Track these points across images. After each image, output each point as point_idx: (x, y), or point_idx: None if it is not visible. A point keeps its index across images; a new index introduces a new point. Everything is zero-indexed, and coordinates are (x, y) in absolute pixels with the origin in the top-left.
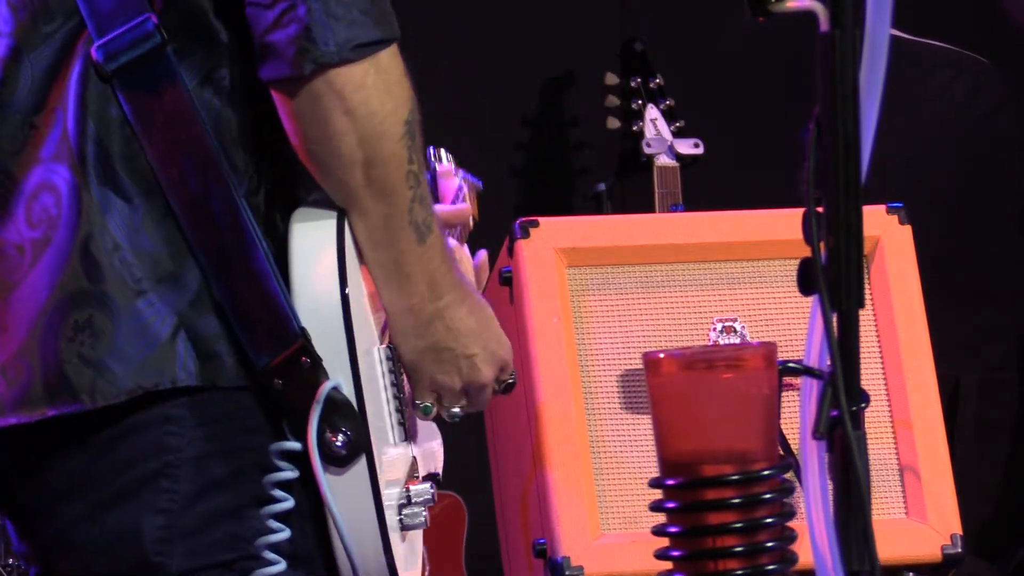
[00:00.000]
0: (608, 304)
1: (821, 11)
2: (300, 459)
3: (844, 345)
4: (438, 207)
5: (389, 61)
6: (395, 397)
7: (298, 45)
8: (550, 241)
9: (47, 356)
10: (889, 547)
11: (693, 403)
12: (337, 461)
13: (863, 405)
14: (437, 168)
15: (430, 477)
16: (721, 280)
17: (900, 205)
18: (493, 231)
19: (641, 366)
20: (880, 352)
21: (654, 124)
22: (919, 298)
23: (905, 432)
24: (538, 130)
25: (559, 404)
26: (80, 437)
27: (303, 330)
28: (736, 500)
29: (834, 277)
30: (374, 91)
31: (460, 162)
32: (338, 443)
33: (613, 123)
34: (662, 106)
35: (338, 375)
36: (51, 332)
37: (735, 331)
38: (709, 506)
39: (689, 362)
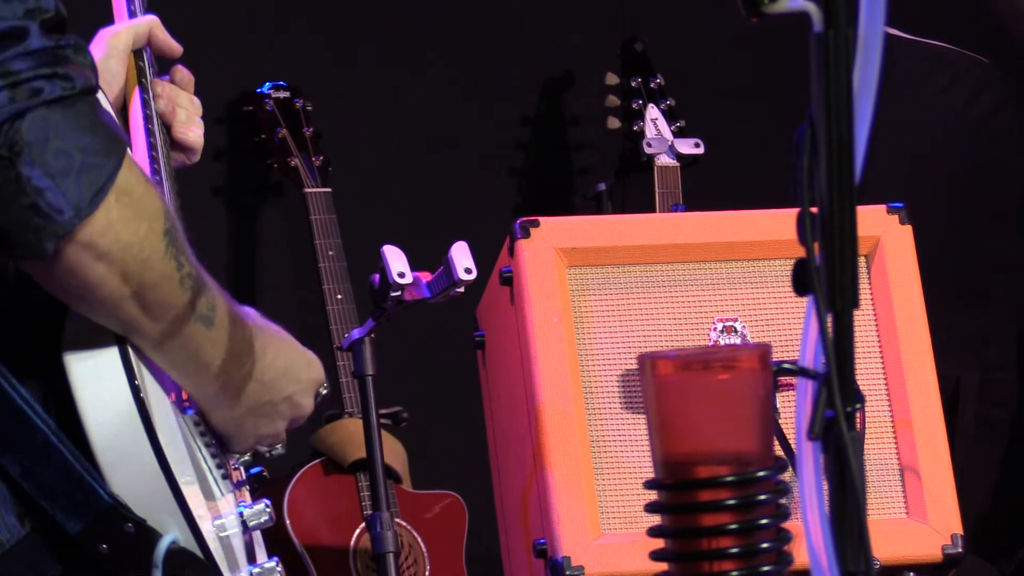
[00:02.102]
0: (609, 304)
1: (814, 11)
2: None
3: (839, 346)
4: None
5: (128, 181)
6: (213, 456)
7: (30, 225)
8: (551, 241)
9: None
10: (889, 547)
11: (688, 404)
12: None
13: (858, 406)
14: None
15: (256, 479)
16: (722, 280)
17: (901, 205)
18: (494, 231)
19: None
20: (880, 352)
21: (655, 124)
22: (919, 298)
23: (905, 432)
24: (538, 130)
25: (559, 404)
26: None
27: (114, 497)
28: (731, 501)
29: (829, 278)
30: (123, 223)
31: (459, 162)
32: None
33: (613, 123)
34: (663, 106)
35: (171, 527)
36: None
37: (736, 331)
38: (704, 507)
39: (684, 363)
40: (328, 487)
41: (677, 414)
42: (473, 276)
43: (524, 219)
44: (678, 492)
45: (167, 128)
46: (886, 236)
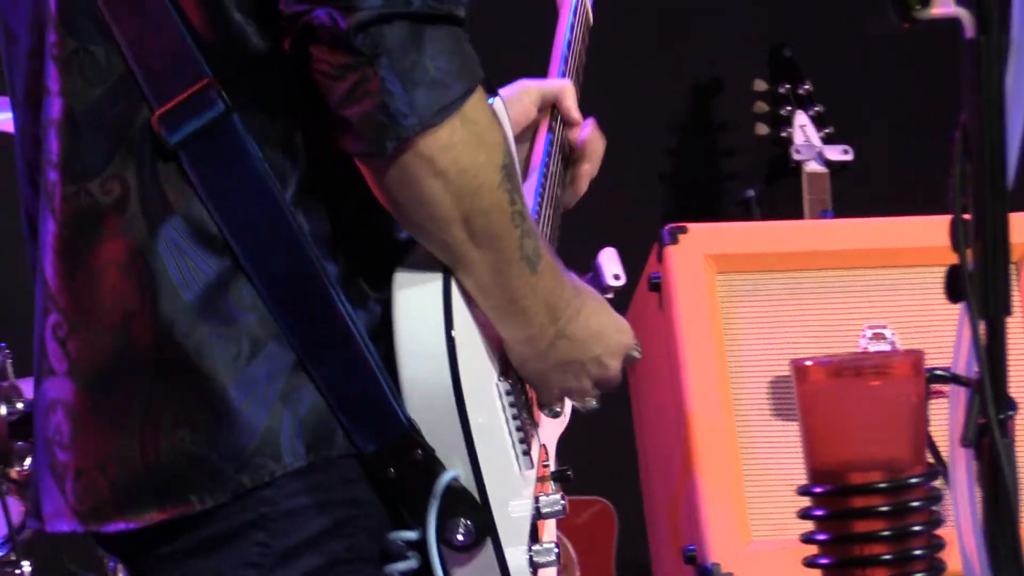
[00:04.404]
0: (757, 311)
1: (966, 17)
2: (420, 546)
3: (992, 352)
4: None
5: (475, 110)
6: (518, 429)
7: (375, 122)
8: (699, 247)
9: (148, 453)
10: None
11: (840, 410)
12: (461, 549)
13: (1011, 413)
14: None
15: (560, 475)
16: (871, 287)
17: None
18: (642, 237)
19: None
20: None
21: (803, 130)
22: None
23: None
24: (687, 136)
25: (708, 410)
26: None
27: (411, 421)
28: (884, 508)
29: (981, 284)
30: (463, 147)
31: (608, 168)
32: (460, 535)
33: (762, 129)
34: (811, 112)
35: (456, 464)
36: (149, 425)
37: (885, 338)
38: (857, 514)
39: (837, 370)
40: None
41: (829, 420)
42: (622, 282)
43: (672, 225)
44: (830, 498)
45: (567, 163)
46: None
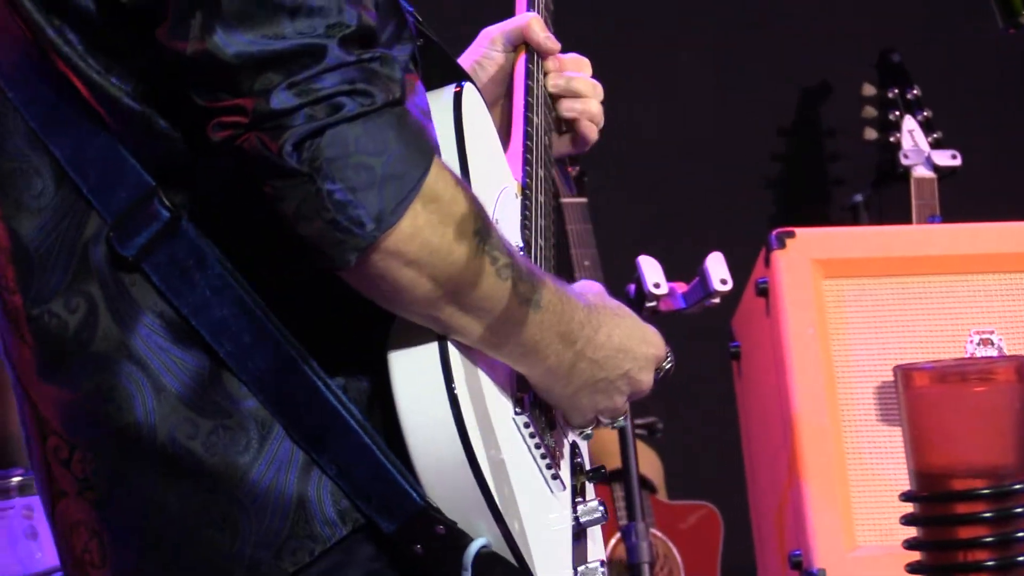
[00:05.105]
0: (864, 316)
1: None
2: None
3: None
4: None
5: (434, 187)
6: (543, 456)
7: (331, 239)
8: (806, 252)
9: (180, 562)
10: None
11: (944, 416)
12: None
13: None
14: None
15: (596, 473)
16: (979, 292)
17: None
18: (749, 241)
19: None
20: None
21: (911, 135)
22: None
23: None
24: (794, 140)
25: (814, 415)
26: None
27: (425, 499)
28: (987, 514)
29: None
30: (429, 229)
31: (714, 172)
32: None
33: (870, 134)
34: (919, 117)
35: (482, 530)
36: (174, 533)
37: (992, 343)
38: (960, 520)
39: (941, 375)
40: None
41: (932, 426)
42: (729, 287)
43: (780, 230)
44: (933, 504)
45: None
46: None
